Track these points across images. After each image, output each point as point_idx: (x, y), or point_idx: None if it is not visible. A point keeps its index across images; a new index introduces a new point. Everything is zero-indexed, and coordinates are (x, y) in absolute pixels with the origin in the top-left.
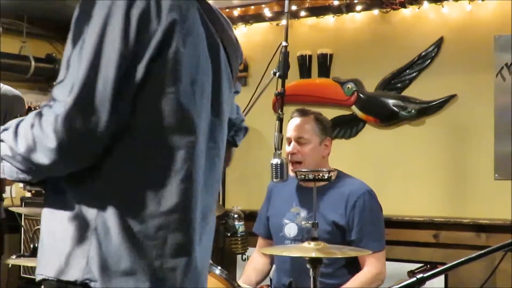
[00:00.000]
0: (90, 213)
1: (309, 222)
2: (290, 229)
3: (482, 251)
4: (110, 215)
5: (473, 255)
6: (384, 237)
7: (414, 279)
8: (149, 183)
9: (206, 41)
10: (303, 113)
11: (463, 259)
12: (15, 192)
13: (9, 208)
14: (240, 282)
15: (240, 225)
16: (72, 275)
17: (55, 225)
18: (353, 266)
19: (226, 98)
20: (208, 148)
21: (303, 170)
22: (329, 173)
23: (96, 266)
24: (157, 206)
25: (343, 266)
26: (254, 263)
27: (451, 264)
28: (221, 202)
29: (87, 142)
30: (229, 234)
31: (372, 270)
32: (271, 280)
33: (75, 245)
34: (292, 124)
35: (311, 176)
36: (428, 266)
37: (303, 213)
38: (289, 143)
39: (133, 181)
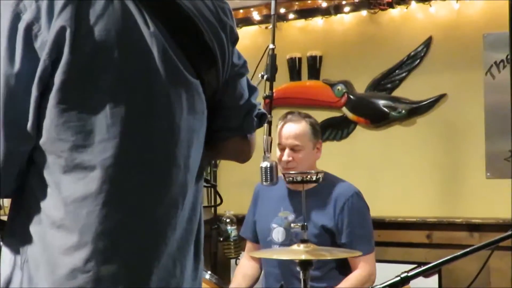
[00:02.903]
0: (23, 245)
1: (298, 224)
2: (278, 234)
3: (469, 249)
4: (38, 249)
5: (459, 252)
6: (373, 239)
7: (398, 278)
8: (66, 212)
9: (128, 34)
10: (297, 118)
11: (449, 257)
12: (7, 201)
13: (0, 218)
14: (236, 271)
15: (232, 230)
16: None
17: (2, 250)
18: (343, 268)
19: (173, 94)
20: (149, 159)
21: (291, 172)
22: (317, 175)
23: None
24: (79, 236)
25: (333, 269)
26: (243, 268)
27: (437, 262)
28: (212, 208)
29: None
30: (221, 239)
31: (362, 273)
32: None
33: (12, 274)
34: (287, 131)
35: (299, 178)
36: (422, 266)
37: (291, 217)
38: (282, 150)
39: (51, 210)
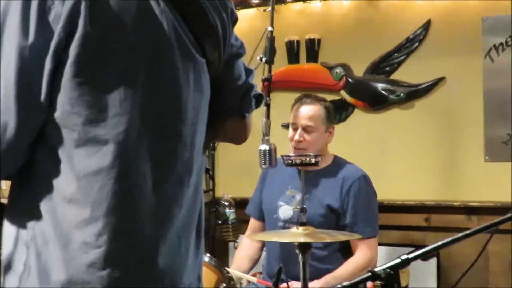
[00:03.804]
0: (30, 221)
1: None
2: (284, 211)
3: (469, 231)
4: (48, 224)
5: (460, 235)
6: (377, 224)
7: (398, 260)
8: (79, 186)
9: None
10: (313, 101)
11: (449, 239)
12: (5, 184)
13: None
14: (231, 268)
15: (230, 213)
16: (11, 282)
17: (5, 228)
18: (347, 250)
19: (181, 71)
20: (158, 135)
21: (290, 155)
22: (315, 158)
23: (35, 277)
24: (91, 211)
25: (337, 250)
26: (244, 249)
27: (435, 245)
28: (210, 191)
29: None
30: (220, 222)
31: (364, 256)
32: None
33: (15, 252)
34: (302, 111)
35: (298, 161)
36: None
37: (299, 196)
38: (295, 129)
39: (63, 185)
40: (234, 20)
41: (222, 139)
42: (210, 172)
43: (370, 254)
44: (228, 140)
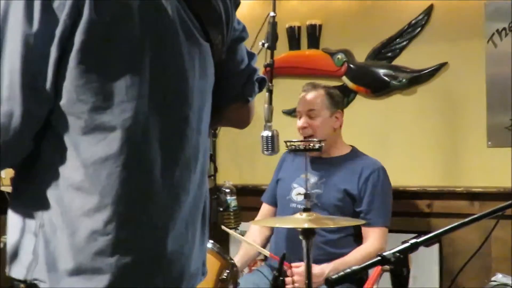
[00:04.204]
0: (37, 210)
1: (317, 190)
2: (298, 193)
3: (473, 217)
4: (55, 213)
5: (464, 220)
6: (389, 216)
7: (408, 244)
8: (86, 174)
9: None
10: (312, 87)
11: (454, 225)
12: (5, 173)
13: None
14: (245, 237)
15: (232, 200)
16: (18, 272)
17: (10, 218)
18: (360, 236)
19: (187, 55)
20: (166, 121)
21: (293, 140)
22: (319, 143)
23: (44, 265)
24: (100, 198)
25: (349, 235)
26: (253, 234)
27: (444, 229)
28: (212, 177)
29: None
30: (221, 209)
31: (373, 245)
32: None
33: (22, 241)
34: (302, 99)
35: (301, 147)
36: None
37: (313, 179)
38: (300, 118)
39: (69, 173)
40: (237, 3)
41: (225, 123)
42: (213, 158)
43: (380, 244)
44: (231, 125)
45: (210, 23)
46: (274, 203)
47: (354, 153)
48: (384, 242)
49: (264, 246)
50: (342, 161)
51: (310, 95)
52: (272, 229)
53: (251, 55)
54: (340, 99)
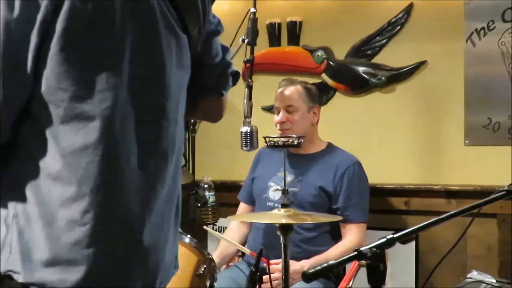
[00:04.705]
0: (11, 200)
1: (294, 188)
2: (275, 192)
3: (450, 213)
4: (31, 203)
5: (441, 216)
6: (367, 210)
7: (385, 239)
8: (65, 163)
9: None
10: (290, 82)
11: (430, 221)
12: None
13: None
14: (224, 235)
15: (210, 195)
16: None
17: None
18: (337, 233)
19: (165, 46)
20: (143, 110)
21: (272, 136)
22: (298, 139)
23: (18, 257)
24: (78, 188)
25: (327, 232)
26: (231, 231)
27: (420, 225)
28: (191, 172)
29: None
30: (199, 205)
31: (353, 241)
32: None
33: None
34: (281, 94)
35: (280, 143)
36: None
37: (290, 178)
38: (278, 113)
39: (48, 162)
40: None
41: (198, 116)
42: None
43: (359, 239)
44: (203, 118)
45: (188, 15)
46: (251, 201)
47: (330, 149)
48: (363, 238)
49: (243, 244)
50: (318, 157)
51: (288, 91)
52: (250, 226)
53: (225, 49)
54: (317, 94)
